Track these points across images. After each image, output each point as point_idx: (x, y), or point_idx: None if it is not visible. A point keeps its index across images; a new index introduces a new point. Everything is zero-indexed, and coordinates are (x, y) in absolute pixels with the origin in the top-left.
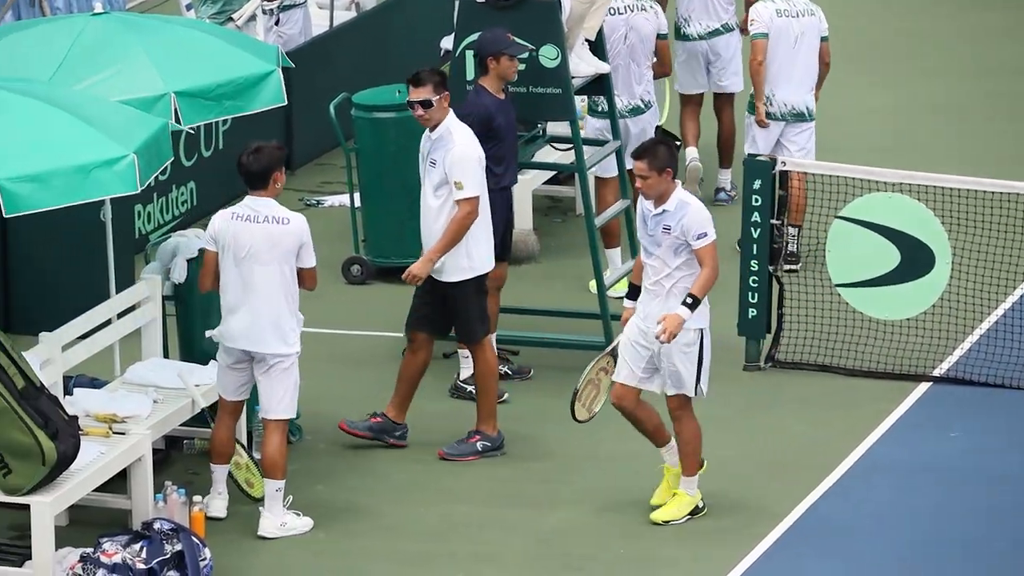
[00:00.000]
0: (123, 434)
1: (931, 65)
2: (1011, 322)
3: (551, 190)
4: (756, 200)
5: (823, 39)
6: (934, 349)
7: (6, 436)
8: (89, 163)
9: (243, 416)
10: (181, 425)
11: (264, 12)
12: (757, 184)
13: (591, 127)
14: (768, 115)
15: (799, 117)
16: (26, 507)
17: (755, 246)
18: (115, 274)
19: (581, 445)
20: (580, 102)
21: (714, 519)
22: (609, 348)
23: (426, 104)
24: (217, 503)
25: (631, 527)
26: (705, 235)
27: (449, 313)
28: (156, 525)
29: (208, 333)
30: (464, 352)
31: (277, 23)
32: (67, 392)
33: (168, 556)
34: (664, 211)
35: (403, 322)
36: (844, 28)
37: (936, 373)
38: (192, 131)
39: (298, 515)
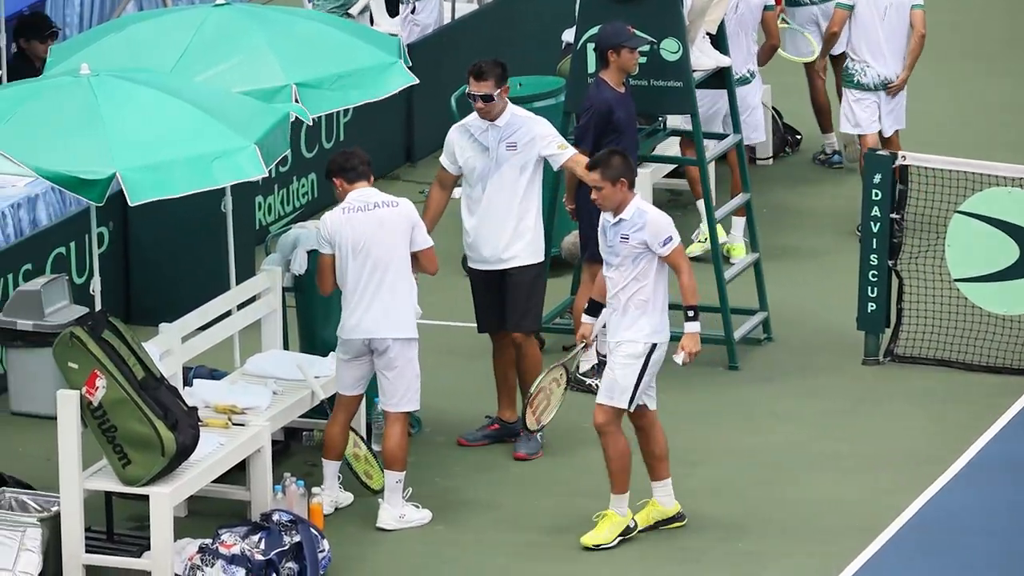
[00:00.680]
0: (242, 425)
1: None
2: None
3: (671, 183)
4: (876, 194)
5: (915, 7)
6: None
7: (126, 427)
8: (210, 153)
9: (362, 408)
10: (300, 417)
11: (401, 1)
12: (877, 178)
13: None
14: (862, 85)
15: (886, 87)
16: (145, 498)
17: (875, 240)
18: (235, 265)
19: (698, 439)
20: None
21: (828, 514)
22: (563, 359)
23: (487, 98)
24: (327, 497)
25: (746, 520)
26: (670, 239)
27: (506, 302)
28: (275, 516)
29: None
30: (583, 345)
31: (413, 11)
32: (186, 383)
33: (287, 547)
34: (621, 220)
35: None
36: (963, 23)
37: None
38: (313, 123)
39: (417, 507)
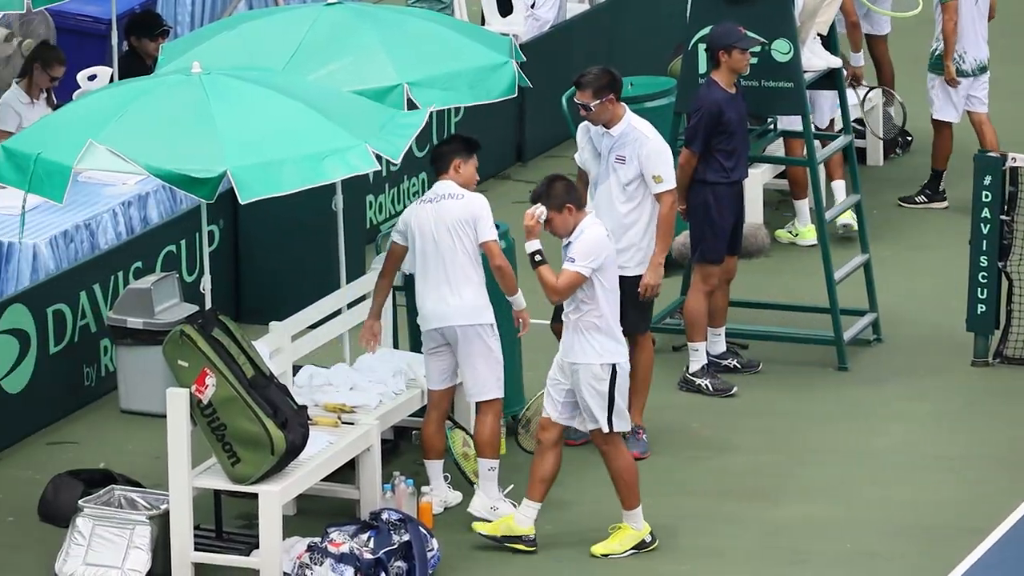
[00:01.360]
0: (352, 424)
1: None
2: None
3: (781, 184)
4: (986, 196)
5: None
6: None
7: (235, 425)
8: (321, 151)
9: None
10: (409, 416)
11: None
12: (987, 180)
13: None
14: (960, 72)
15: (983, 70)
16: (254, 496)
17: (984, 242)
18: (346, 264)
19: (808, 439)
20: None
21: (937, 515)
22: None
23: (586, 108)
24: (436, 497)
25: (858, 521)
26: (572, 261)
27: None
28: (384, 515)
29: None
30: (695, 345)
31: (533, 6)
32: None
33: (396, 546)
34: (568, 243)
35: None
36: None
37: None
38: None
39: (515, 505)
